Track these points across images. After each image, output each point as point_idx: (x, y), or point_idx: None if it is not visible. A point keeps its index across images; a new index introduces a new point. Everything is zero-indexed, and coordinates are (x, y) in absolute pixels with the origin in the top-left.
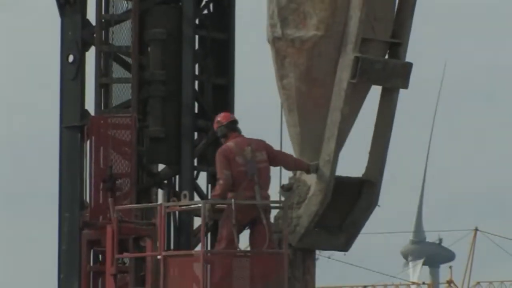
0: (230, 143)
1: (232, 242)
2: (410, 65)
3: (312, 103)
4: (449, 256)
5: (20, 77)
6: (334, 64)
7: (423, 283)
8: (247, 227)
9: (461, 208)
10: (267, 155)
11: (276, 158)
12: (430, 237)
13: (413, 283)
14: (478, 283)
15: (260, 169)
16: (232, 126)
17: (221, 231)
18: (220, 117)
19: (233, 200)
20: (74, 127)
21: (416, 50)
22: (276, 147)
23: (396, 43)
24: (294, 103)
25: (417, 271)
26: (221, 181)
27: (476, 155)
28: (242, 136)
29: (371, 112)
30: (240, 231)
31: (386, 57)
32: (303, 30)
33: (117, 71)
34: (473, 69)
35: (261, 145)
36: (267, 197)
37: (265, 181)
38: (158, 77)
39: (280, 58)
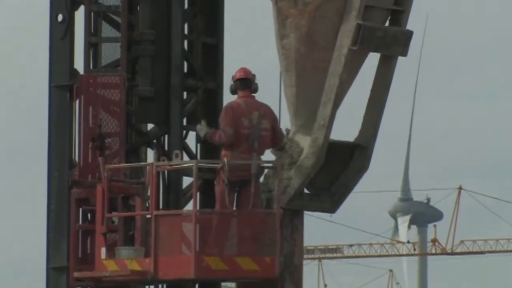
0: (240, 101)
1: (224, 201)
2: (410, 33)
3: (310, 66)
4: (436, 215)
5: (9, 37)
6: (336, 29)
7: (408, 241)
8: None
9: (447, 167)
10: (271, 125)
11: (275, 132)
12: (417, 197)
13: (398, 241)
14: (462, 241)
15: (262, 136)
16: (242, 84)
17: (216, 190)
18: (235, 72)
19: (225, 160)
20: (63, 86)
21: None
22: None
23: (398, 10)
24: (293, 63)
25: (405, 229)
26: (223, 134)
27: (461, 115)
28: (253, 97)
29: (363, 78)
30: (233, 190)
31: (387, 24)
32: None
33: (107, 30)
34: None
35: (269, 114)
36: (260, 164)
37: (264, 149)
38: (148, 37)
39: (281, 18)
